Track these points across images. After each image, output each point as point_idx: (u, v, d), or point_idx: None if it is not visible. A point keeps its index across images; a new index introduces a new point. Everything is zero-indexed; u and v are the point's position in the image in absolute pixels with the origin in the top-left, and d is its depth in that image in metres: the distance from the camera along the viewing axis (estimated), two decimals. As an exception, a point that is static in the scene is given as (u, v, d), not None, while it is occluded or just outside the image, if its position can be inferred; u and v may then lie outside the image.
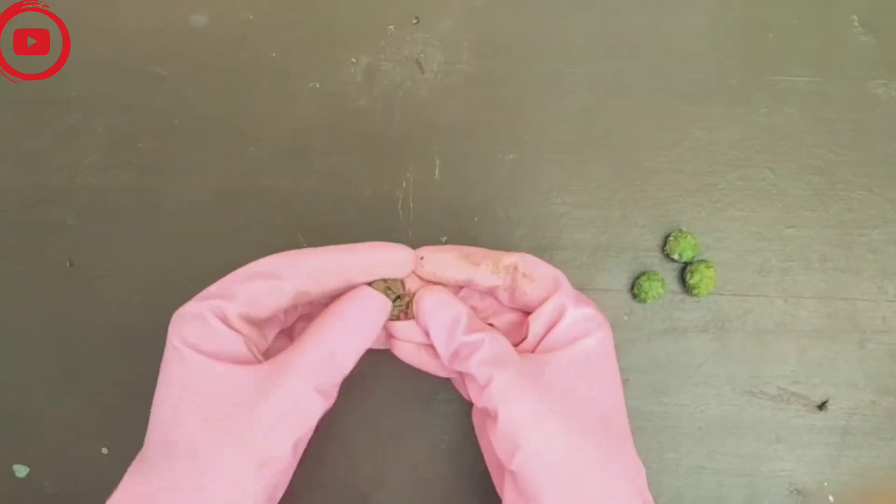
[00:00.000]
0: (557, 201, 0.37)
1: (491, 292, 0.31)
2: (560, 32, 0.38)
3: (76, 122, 0.37)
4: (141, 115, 0.37)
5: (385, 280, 0.30)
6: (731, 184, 0.37)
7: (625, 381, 0.36)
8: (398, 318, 0.30)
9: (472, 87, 0.37)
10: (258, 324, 0.29)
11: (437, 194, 0.37)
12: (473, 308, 0.32)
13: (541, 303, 0.30)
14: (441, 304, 0.29)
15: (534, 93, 0.37)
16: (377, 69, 0.37)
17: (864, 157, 0.37)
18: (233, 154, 0.37)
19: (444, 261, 0.30)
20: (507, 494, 0.29)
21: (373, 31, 0.37)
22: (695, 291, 0.35)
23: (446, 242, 0.36)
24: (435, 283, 0.31)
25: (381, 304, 0.29)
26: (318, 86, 0.37)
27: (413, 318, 0.30)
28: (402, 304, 0.30)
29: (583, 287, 0.36)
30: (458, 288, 0.32)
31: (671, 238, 0.36)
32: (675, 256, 0.36)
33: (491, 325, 0.32)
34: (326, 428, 0.35)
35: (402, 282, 0.30)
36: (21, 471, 0.36)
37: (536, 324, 0.30)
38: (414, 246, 0.35)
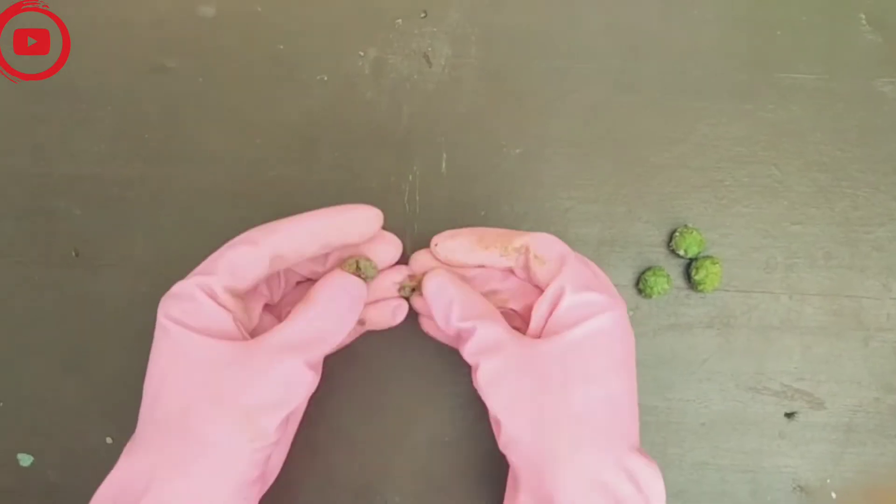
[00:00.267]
0: (563, 196, 0.37)
1: (511, 272, 0.32)
2: (568, 27, 0.38)
3: (83, 112, 0.37)
4: (148, 105, 0.37)
5: (357, 260, 0.31)
6: (736, 180, 0.37)
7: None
8: (409, 297, 0.33)
9: (480, 81, 0.37)
10: (243, 298, 0.30)
11: (443, 187, 0.37)
12: (494, 290, 0.33)
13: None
14: (437, 289, 0.31)
15: (541, 87, 0.37)
16: (385, 62, 0.37)
17: (871, 155, 0.37)
18: (240, 146, 0.37)
19: (454, 247, 0.32)
20: (509, 476, 0.30)
21: (381, 24, 0.37)
22: (700, 287, 0.36)
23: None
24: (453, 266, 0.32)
25: (356, 284, 0.30)
26: (325, 78, 0.37)
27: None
28: (414, 283, 0.32)
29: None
30: (477, 267, 0.33)
31: (677, 234, 0.36)
32: (681, 252, 0.36)
33: (512, 309, 0.33)
34: (331, 421, 0.36)
35: (372, 263, 0.31)
36: (25, 460, 0.36)
37: (539, 307, 0.30)
38: (420, 239, 0.36)
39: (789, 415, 0.36)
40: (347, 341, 0.34)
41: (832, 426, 0.36)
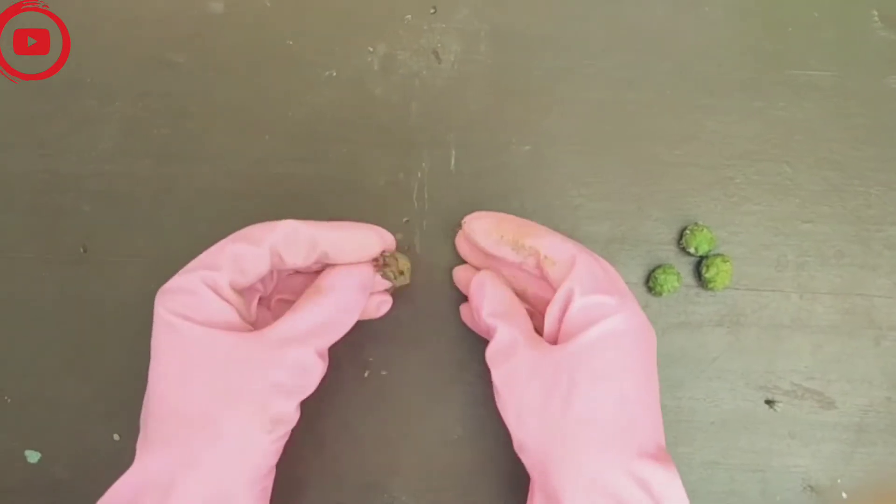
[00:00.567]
0: (573, 193, 0.37)
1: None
2: (578, 24, 0.38)
3: (91, 108, 0.37)
4: (156, 101, 0.37)
5: (383, 254, 0.32)
6: (747, 178, 0.37)
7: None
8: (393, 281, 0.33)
9: (489, 77, 0.37)
10: (242, 293, 0.29)
11: (452, 185, 0.36)
12: (522, 290, 0.33)
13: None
14: (477, 285, 0.32)
15: (550, 84, 0.37)
16: (394, 58, 0.37)
17: (883, 153, 0.37)
18: (248, 142, 0.37)
19: (475, 228, 0.33)
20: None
21: (390, 19, 0.37)
22: (710, 285, 0.35)
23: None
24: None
25: (364, 272, 0.31)
26: (334, 74, 0.37)
27: None
28: (399, 266, 0.33)
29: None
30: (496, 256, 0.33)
31: (687, 231, 0.36)
32: (691, 250, 0.35)
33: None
34: (339, 417, 0.35)
35: (396, 258, 0.32)
36: (33, 456, 0.36)
37: (551, 310, 0.30)
38: (428, 236, 0.36)
39: (769, 402, 0.36)
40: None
41: (843, 426, 0.36)
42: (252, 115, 0.37)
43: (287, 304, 0.31)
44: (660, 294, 0.36)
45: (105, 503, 0.27)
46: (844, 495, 0.36)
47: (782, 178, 0.37)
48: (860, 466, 0.36)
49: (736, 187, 0.37)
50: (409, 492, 0.35)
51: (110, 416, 0.36)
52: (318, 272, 0.32)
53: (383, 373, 0.36)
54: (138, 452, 0.28)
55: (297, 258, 0.29)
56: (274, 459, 0.29)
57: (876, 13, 0.38)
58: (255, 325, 0.29)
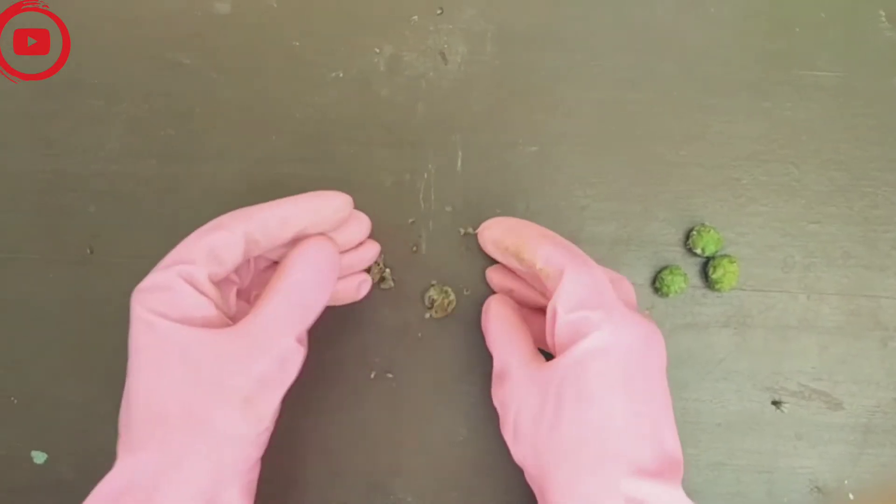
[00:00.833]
0: (579, 194, 0.37)
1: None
2: (584, 24, 0.38)
3: (97, 108, 0.37)
4: (162, 102, 0.37)
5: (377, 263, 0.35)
6: (754, 178, 0.37)
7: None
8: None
9: (495, 78, 0.37)
10: (219, 285, 0.29)
11: (458, 185, 0.36)
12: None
13: None
14: (484, 310, 0.34)
15: (556, 85, 0.37)
16: (400, 59, 0.37)
17: (889, 153, 0.37)
18: (254, 142, 0.37)
19: (485, 240, 0.34)
20: None
21: (396, 20, 0.37)
22: (717, 286, 0.35)
23: (468, 234, 0.36)
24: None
25: (325, 246, 0.30)
26: (340, 75, 0.37)
27: None
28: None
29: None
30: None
31: (694, 232, 0.36)
32: (698, 251, 0.35)
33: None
34: (344, 417, 0.35)
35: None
36: (39, 457, 0.36)
37: (548, 328, 0.30)
38: (435, 237, 0.36)
39: (776, 403, 0.36)
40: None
41: (850, 427, 0.36)
42: (257, 116, 0.37)
43: None
44: (666, 295, 0.36)
45: None
46: (851, 496, 0.36)
47: (789, 179, 0.37)
48: (867, 468, 0.36)
49: (742, 188, 0.37)
50: (413, 492, 0.35)
51: (116, 416, 0.35)
52: None
53: (389, 374, 0.36)
54: (119, 454, 0.27)
55: (273, 239, 0.29)
56: (259, 453, 0.28)
57: (883, 13, 0.38)
58: (234, 319, 0.29)
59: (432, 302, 0.35)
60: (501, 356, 0.31)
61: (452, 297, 0.35)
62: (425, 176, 0.37)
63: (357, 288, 0.33)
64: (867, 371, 0.36)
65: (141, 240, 0.36)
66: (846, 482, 0.36)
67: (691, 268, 0.36)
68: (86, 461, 0.35)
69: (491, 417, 0.35)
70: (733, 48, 0.38)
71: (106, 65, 0.37)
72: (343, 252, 0.32)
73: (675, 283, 0.35)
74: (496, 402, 0.31)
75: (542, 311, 0.33)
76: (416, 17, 0.37)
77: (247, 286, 0.32)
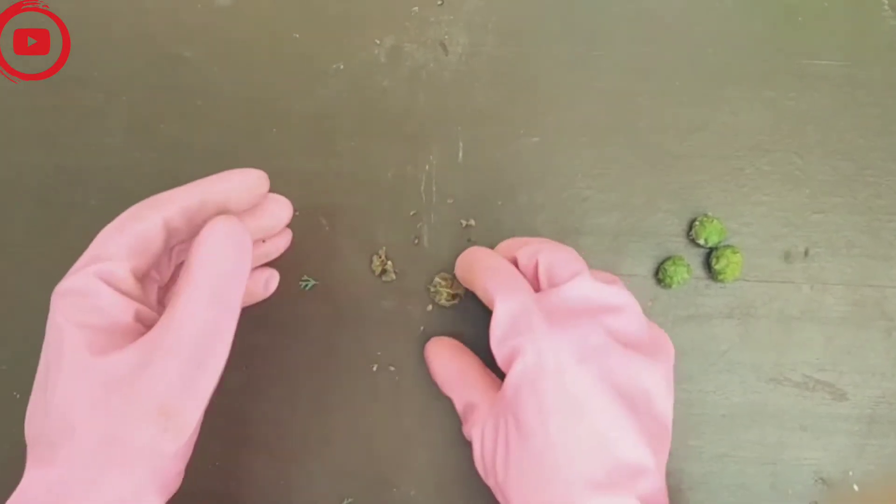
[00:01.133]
0: (581, 185, 0.37)
1: None
2: (586, 14, 0.37)
3: (99, 102, 0.37)
4: (164, 95, 0.37)
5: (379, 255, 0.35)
6: (757, 168, 0.37)
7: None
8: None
9: (497, 69, 0.37)
10: (142, 280, 0.27)
11: (460, 177, 0.36)
12: None
13: None
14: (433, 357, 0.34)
15: (559, 75, 0.37)
16: (401, 51, 0.37)
17: (893, 143, 0.37)
18: (256, 135, 0.37)
19: (456, 265, 0.34)
20: None
21: (397, 12, 0.37)
22: (720, 277, 0.35)
23: (470, 226, 0.36)
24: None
25: (232, 225, 0.26)
26: (341, 67, 0.37)
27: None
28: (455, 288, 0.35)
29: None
30: None
31: (697, 223, 0.35)
32: (701, 241, 0.35)
33: None
34: (347, 413, 0.35)
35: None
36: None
37: None
38: (437, 228, 0.36)
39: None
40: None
41: (854, 418, 0.36)
42: (259, 109, 0.37)
43: None
44: (669, 286, 0.35)
45: None
46: (856, 487, 0.35)
47: (793, 169, 0.37)
48: (872, 459, 0.35)
49: (746, 178, 0.37)
50: (417, 486, 0.35)
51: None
52: None
53: (391, 367, 0.36)
54: (29, 467, 0.25)
55: (193, 223, 0.27)
56: (183, 464, 0.26)
57: (886, 3, 0.37)
58: (159, 314, 0.27)
59: (438, 287, 0.35)
60: (461, 398, 0.32)
61: (462, 289, 0.35)
62: (427, 168, 0.36)
63: (265, 285, 0.32)
64: (872, 361, 0.36)
65: (142, 233, 0.36)
66: (850, 473, 0.35)
67: (694, 258, 0.36)
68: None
69: (494, 409, 0.35)
70: (736, 38, 0.37)
71: (106, 59, 0.37)
72: (259, 240, 0.31)
73: (679, 273, 0.35)
74: (468, 439, 0.31)
75: None
76: (416, 8, 0.37)
77: (167, 283, 0.30)
